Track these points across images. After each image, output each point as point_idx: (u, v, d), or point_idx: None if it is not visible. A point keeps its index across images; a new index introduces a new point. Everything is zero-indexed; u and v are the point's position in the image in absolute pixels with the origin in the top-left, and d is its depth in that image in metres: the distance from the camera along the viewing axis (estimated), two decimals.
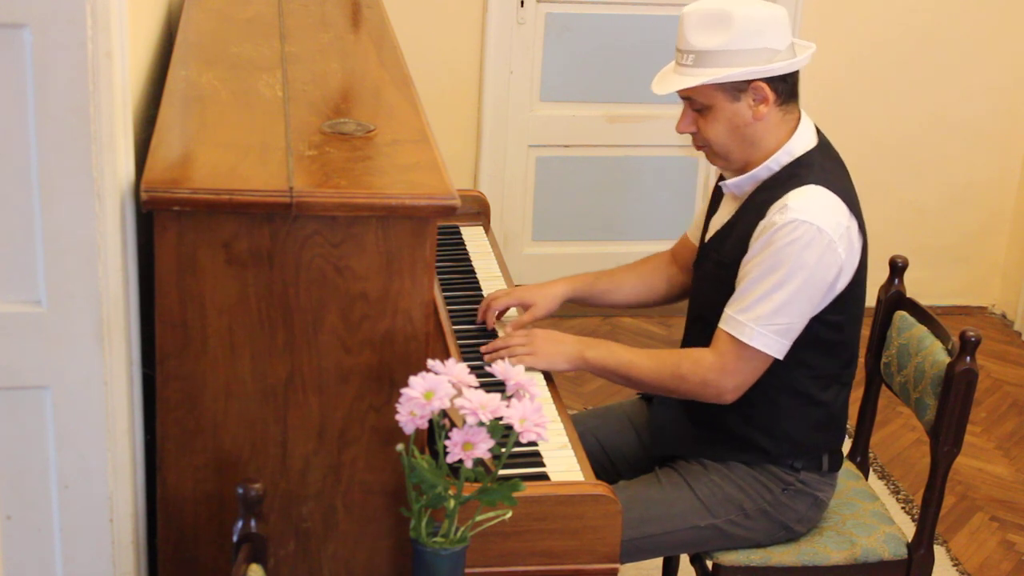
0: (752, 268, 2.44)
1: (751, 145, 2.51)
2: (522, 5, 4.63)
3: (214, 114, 2.21)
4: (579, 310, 4.72)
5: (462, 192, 2.95)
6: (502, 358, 2.49)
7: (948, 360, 2.59)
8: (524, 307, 2.76)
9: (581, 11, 4.71)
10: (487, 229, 3.23)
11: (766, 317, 2.41)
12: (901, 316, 2.81)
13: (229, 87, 2.32)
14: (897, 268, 2.85)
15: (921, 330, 2.73)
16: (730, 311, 2.46)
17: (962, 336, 2.55)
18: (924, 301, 2.86)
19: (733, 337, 2.44)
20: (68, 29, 1.79)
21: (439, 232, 2.33)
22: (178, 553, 2.09)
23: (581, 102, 4.81)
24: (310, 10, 2.97)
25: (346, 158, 2.07)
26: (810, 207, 2.41)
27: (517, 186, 4.84)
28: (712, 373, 2.46)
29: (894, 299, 2.84)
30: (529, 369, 2.54)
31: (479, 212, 3.26)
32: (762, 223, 2.45)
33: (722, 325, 2.47)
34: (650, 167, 4.93)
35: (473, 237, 3.17)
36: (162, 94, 2.25)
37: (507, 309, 2.77)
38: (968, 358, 2.55)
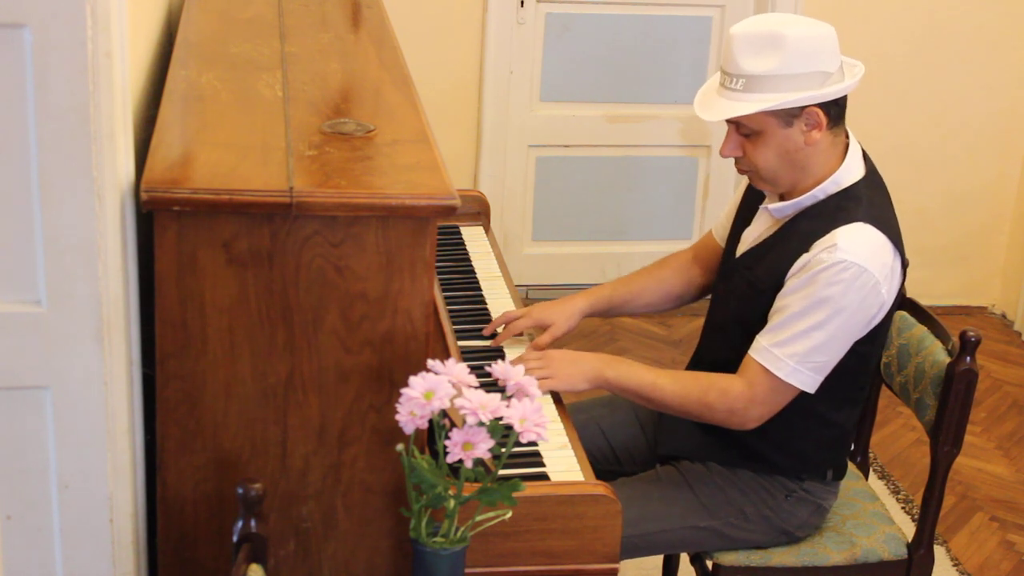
0: (794, 303, 2.38)
1: (801, 170, 2.43)
2: (522, 5, 4.63)
3: (214, 114, 2.21)
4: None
5: (462, 192, 2.94)
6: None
7: (948, 360, 2.59)
8: (542, 327, 2.69)
9: (581, 11, 4.71)
10: (487, 229, 3.23)
11: (804, 355, 2.38)
12: (901, 316, 2.81)
13: (229, 87, 2.32)
14: None
15: (921, 330, 2.73)
16: (766, 342, 2.41)
17: (962, 336, 2.55)
18: (924, 301, 2.86)
19: (767, 370, 2.40)
20: (68, 29, 1.79)
21: (439, 232, 2.33)
22: (178, 553, 2.09)
23: (581, 102, 4.81)
24: (310, 10, 2.97)
25: (346, 158, 2.07)
26: (859, 249, 2.35)
27: (517, 186, 4.84)
28: (740, 403, 2.42)
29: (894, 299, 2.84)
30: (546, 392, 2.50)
31: (479, 212, 3.26)
32: (806, 256, 2.39)
33: (756, 355, 2.42)
34: (650, 167, 4.93)
35: (473, 237, 3.17)
36: (162, 94, 2.25)
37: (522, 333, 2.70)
38: (968, 358, 2.55)
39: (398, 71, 2.59)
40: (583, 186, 4.90)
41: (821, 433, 2.55)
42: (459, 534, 1.96)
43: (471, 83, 4.69)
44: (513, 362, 2.52)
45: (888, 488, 3.90)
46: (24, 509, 1.98)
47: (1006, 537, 3.71)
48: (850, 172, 2.45)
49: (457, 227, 3.20)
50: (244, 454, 2.05)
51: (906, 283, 2.85)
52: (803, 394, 2.46)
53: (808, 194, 2.45)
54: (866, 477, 2.89)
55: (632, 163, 4.92)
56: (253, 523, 1.84)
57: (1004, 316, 5.13)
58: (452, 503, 1.93)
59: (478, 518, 1.98)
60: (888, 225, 2.43)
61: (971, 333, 2.54)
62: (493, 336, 2.69)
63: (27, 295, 1.90)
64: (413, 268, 1.99)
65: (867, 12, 4.80)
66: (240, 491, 1.84)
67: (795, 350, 2.38)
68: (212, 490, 2.06)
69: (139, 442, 2.06)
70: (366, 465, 2.08)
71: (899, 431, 4.23)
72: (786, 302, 2.40)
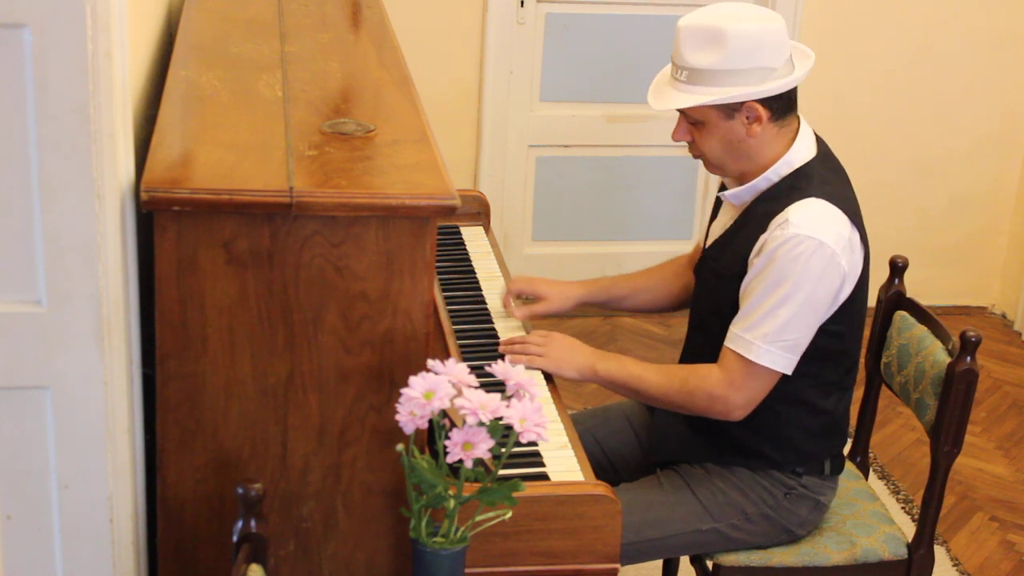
0: (756, 285, 2.42)
1: (746, 158, 2.49)
2: (522, 5, 4.63)
3: (214, 114, 2.21)
4: (580, 309, 4.72)
5: (462, 192, 2.95)
6: (516, 352, 2.54)
7: (948, 360, 2.59)
8: (538, 298, 2.79)
9: (581, 11, 4.71)
10: (487, 229, 3.23)
11: (773, 334, 2.40)
12: (901, 316, 2.81)
13: (229, 87, 2.32)
14: (897, 268, 2.85)
15: (921, 330, 2.73)
16: (736, 329, 2.44)
17: (962, 336, 2.55)
18: (924, 301, 2.86)
19: (740, 355, 2.42)
20: (68, 29, 1.79)
21: (439, 232, 2.33)
22: (178, 553, 2.09)
23: (581, 102, 4.81)
24: (310, 10, 2.97)
25: (346, 158, 2.07)
26: (811, 221, 2.39)
27: (517, 186, 4.84)
28: (719, 388, 2.45)
29: (894, 299, 2.84)
30: (531, 368, 2.54)
31: (479, 212, 3.26)
32: (763, 237, 2.42)
33: (728, 344, 2.45)
34: (650, 167, 4.93)
35: (473, 237, 3.17)
36: (162, 94, 2.25)
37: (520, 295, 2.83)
38: (968, 358, 2.55)
39: (398, 71, 2.59)
40: (583, 186, 4.90)
41: (810, 421, 2.56)
42: (459, 534, 1.96)
43: (471, 83, 4.69)
44: (518, 337, 2.61)
45: (888, 488, 3.90)
46: (24, 509, 1.98)
47: (1006, 537, 3.71)
48: (800, 153, 2.49)
49: (457, 227, 3.20)
50: (244, 454, 2.05)
51: (906, 283, 2.86)
52: (787, 381, 2.47)
53: (761, 176, 2.49)
54: (866, 477, 2.89)
55: (632, 163, 4.92)
56: (253, 523, 1.84)
57: (1004, 316, 5.13)
58: (452, 503, 1.93)
59: (478, 518, 1.98)
60: (842, 199, 2.46)
61: (971, 333, 2.54)
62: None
63: (27, 295, 1.90)
64: (413, 268, 1.99)
65: (868, 16, 4.80)
66: (240, 491, 1.84)
67: (764, 331, 2.40)
68: (212, 490, 2.06)
69: (139, 442, 2.06)
70: (366, 465, 2.08)
71: (899, 431, 4.23)
72: (751, 286, 2.44)
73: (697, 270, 2.69)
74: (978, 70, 4.90)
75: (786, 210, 2.41)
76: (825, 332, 2.47)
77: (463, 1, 4.59)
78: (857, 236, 2.46)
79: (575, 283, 2.84)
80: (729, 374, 2.44)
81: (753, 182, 2.50)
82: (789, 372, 2.45)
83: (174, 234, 1.92)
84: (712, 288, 2.56)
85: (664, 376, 2.51)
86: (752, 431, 2.54)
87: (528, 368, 2.53)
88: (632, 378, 2.53)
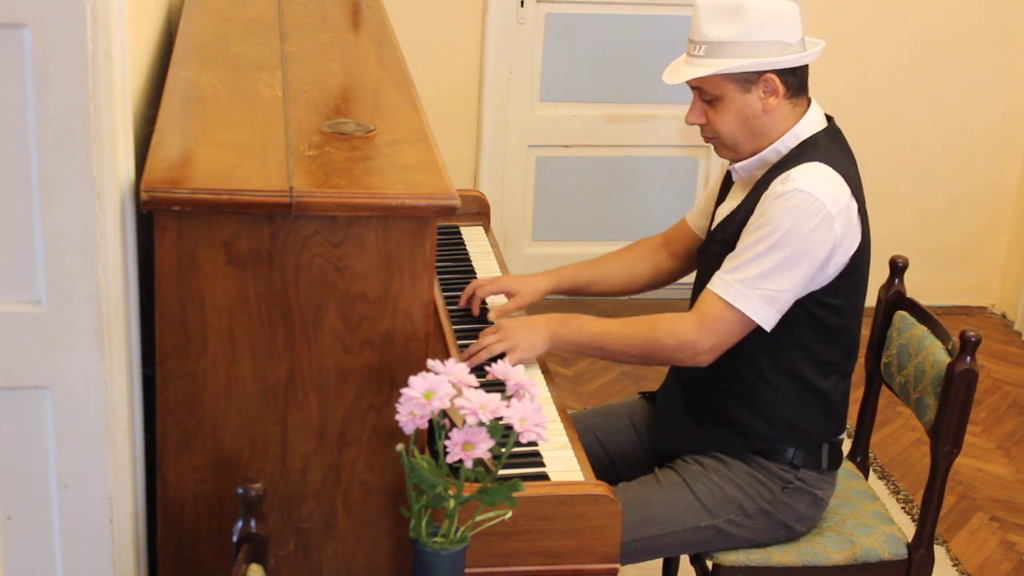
0: (749, 234, 2.46)
1: (760, 136, 2.52)
2: (522, 5, 4.63)
3: (214, 114, 2.21)
4: (578, 310, 4.71)
5: (462, 192, 2.95)
6: (481, 360, 2.50)
7: (948, 360, 2.59)
8: (508, 295, 2.78)
9: (581, 11, 4.71)
10: (487, 229, 3.23)
11: (753, 280, 2.43)
12: (901, 316, 2.81)
13: (229, 87, 2.32)
14: (897, 268, 2.85)
15: (921, 330, 2.73)
16: (719, 272, 2.48)
17: (962, 336, 2.55)
18: (924, 301, 2.86)
19: (718, 296, 2.45)
20: (68, 29, 1.80)
21: (439, 232, 2.33)
22: (178, 553, 2.09)
23: (581, 102, 4.81)
24: (310, 10, 2.98)
25: (346, 158, 2.07)
26: (812, 180, 2.43)
27: (517, 186, 4.84)
28: (691, 333, 2.46)
29: (894, 299, 2.84)
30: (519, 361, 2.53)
31: (479, 212, 3.26)
32: (764, 194, 2.47)
33: (709, 285, 2.48)
34: (650, 167, 4.93)
35: (473, 237, 3.17)
36: (162, 94, 2.26)
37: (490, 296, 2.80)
38: (968, 358, 2.55)
39: (398, 71, 2.59)
40: (583, 186, 4.90)
41: (806, 399, 2.56)
42: (459, 534, 1.96)
43: (471, 83, 4.69)
44: (472, 345, 2.57)
45: (888, 488, 3.90)
46: (24, 509, 1.99)
47: (1006, 537, 3.71)
48: (810, 124, 2.54)
49: (457, 227, 3.20)
50: (244, 454, 2.05)
51: (907, 283, 2.86)
52: (781, 351, 2.50)
53: (770, 148, 2.53)
54: (866, 477, 2.89)
55: (632, 163, 4.92)
56: (253, 523, 1.84)
57: (1004, 316, 5.13)
58: (452, 503, 1.93)
59: (478, 518, 1.98)
60: (845, 170, 2.50)
61: (971, 333, 2.54)
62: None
63: (27, 295, 1.90)
64: (413, 268, 1.99)
65: (868, 16, 4.80)
66: (240, 491, 1.84)
67: (744, 275, 2.43)
68: (212, 490, 2.06)
69: (139, 442, 2.06)
70: (366, 465, 2.08)
71: (899, 431, 4.23)
72: (743, 234, 2.48)
73: (702, 249, 2.71)
74: (978, 70, 4.90)
75: (790, 170, 2.46)
76: (821, 304, 2.49)
77: (463, 1, 4.59)
78: (855, 207, 2.48)
79: (541, 274, 2.85)
80: (702, 317, 2.47)
81: (762, 154, 2.53)
82: (767, 327, 2.46)
83: (174, 234, 1.92)
84: (718, 258, 2.57)
85: (630, 328, 2.53)
86: (747, 406, 2.56)
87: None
88: (595, 337, 2.54)
